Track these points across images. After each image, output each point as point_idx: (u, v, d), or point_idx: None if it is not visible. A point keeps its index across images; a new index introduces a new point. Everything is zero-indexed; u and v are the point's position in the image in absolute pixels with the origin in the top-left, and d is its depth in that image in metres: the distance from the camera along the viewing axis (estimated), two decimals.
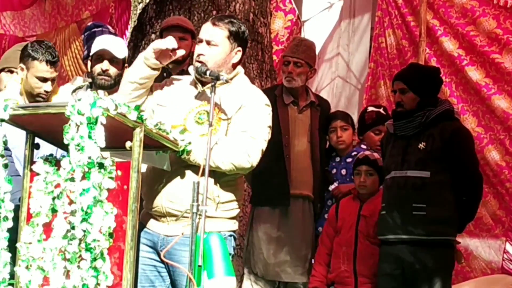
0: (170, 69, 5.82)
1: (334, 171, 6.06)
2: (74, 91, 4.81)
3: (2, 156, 3.65)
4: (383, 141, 5.55)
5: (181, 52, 4.03)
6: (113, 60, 4.78)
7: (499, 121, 6.53)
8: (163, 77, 5.78)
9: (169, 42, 3.99)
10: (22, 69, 4.64)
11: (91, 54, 4.82)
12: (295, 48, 6.07)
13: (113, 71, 4.79)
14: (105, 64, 4.77)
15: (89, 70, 4.89)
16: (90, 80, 5.17)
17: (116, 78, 4.79)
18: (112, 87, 4.81)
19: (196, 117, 4.05)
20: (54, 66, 4.60)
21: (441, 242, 5.11)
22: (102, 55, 4.78)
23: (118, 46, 4.82)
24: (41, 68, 4.57)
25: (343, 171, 6.01)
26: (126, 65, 4.89)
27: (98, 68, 4.80)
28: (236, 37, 4.12)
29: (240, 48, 4.15)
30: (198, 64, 4.06)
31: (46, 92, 4.62)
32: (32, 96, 4.65)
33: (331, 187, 6.02)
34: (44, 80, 4.60)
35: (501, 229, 6.58)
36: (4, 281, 3.62)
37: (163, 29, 5.94)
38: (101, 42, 4.82)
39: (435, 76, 5.43)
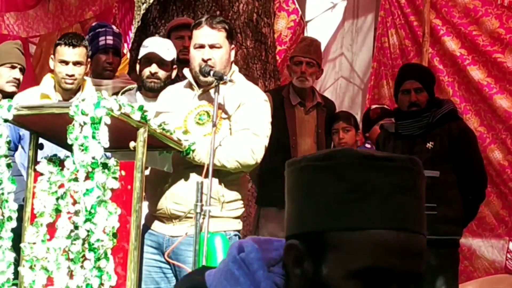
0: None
1: None
2: (122, 93, 4.85)
3: (6, 156, 3.65)
4: (379, 141, 5.52)
5: None
6: (161, 62, 4.82)
7: (500, 121, 6.53)
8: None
9: None
10: (53, 59, 4.74)
11: (139, 57, 4.88)
12: (306, 48, 6.04)
13: (162, 73, 4.83)
14: (154, 67, 4.81)
15: (138, 73, 4.93)
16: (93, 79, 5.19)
17: (166, 81, 4.83)
18: (161, 89, 4.83)
19: (196, 118, 4.07)
20: (74, 48, 4.69)
21: (449, 241, 5.12)
22: (150, 58, 4.82)
23: (166, 48, 4.86)
24: (62, 51, 4.70)
25: None
26: (175, 66, 4.93)
27: (147, 71, 4.83)
28: (231, 36, 4.21)
29: (233, 46, 4.23)
30: (202, 64, 4.08)
31: (68, 75, 4.67)
32: (63, 89, 4.72)
33: None
34: (65, 63, 4.69)
35: (504, 228, 6.58)
36: (9, 281, 3.62)
37: (171, 28, 5.92)
38: (149, 45, 4.87)
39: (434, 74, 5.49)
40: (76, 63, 4.70)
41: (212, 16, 4.31)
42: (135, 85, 5.01)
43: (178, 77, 5.78)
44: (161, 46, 4.88)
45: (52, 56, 4.78)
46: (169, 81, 4.86)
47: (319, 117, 6.01)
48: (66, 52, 4.68)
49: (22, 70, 5.29)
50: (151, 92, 4.81)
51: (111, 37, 5.64)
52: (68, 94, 4.73)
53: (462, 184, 5.13)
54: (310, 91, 6.04)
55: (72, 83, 4.69)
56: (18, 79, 5.22)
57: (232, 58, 4.21)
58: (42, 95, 4.72)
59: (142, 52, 4.88)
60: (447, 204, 5.08)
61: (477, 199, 5.23)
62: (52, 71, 4.85)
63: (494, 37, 6.57)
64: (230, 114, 4.03)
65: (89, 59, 4.87)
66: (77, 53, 4.70)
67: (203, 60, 4.08)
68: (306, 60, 5.93)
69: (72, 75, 4.68)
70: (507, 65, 6.49)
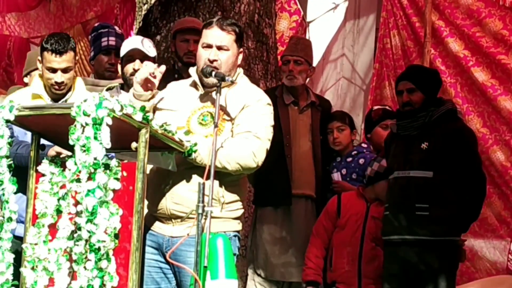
0: (181, 70, 5.79)
1: (334, 170, 6.06)
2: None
3: (7, 157, 3.64)
4: (387, 141, 5.54)
5: (162, 69, 4.02)
6: (144, 59, 4.79)
7: (504, 122, 6.53)
8: (175, 78, 5.79)
9: (147, 68, 4.02)
10: (40, 62, 4.62)
11: (121, 56, 4.84)
12: (294, 47, 6.11)
13: None
14: (137, 64, 4.78)
15: (119, 72, 4.89)
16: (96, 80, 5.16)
17: None
18: None
19: (200, 118, 4.06)
20: (61, 56, 4.48)
21: (445, 242, 5.11)
22: (133, 55, 4.79)
23: (148, 45, 4.84)
24: (48, 58, 4.51)
25: (344, 171, 6.02)
26: (156, 64, 4.89)
27: (130, 68, 4.80)
28: (240, 39, 4.19)
29: (241, 49, 4.21)
30: (207, 64, 4.07)
31: (57, 83, 4.53)
32: (50, 90, 4.62)
33: (334, 176, 6.02)
34: (53, 70, 4.52)
35: (506, 229, 6.58)
36: (8, 282, 3.62)
37: (177, 31, 5.90)
38: (131, 43, 4.84)
39: (438, 76, 5.49)
40: (64, 70, 4.54)
41: (224, 18, 4.29)
42: (117, 83, 4.97)
43: (182, 77, 5.79)
44: (143, 43, 4.85)
45: (39, 57, 4.61)
46: None
47: (314, 116, 6.05)
48: (53, 60, 4.49)
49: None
50: None
51: (113, 38, 5.64)
52: (60, 94, 4.66)
53: (459, 184, 5.11)
54: (304, 90, 6.08)
55: (62, 89, 4.57)
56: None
57: (239, 62, 4.19)
58: (33, 95, 4.62)
59: (124, 50, 4.83)
60: (441, 205, 5.07)
61: (475, 199, 5.18)
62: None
63: (497, 39, 6.57)
64: (233, 116, 4.03)
65: (92, 60, 4.81)
66: (65, 59, 4.51)
67: (209, 61, 4.07)
68: (293, 59, 6.00)
69: (62, 82, 4.54)
70: (511, 67, 6.49)
